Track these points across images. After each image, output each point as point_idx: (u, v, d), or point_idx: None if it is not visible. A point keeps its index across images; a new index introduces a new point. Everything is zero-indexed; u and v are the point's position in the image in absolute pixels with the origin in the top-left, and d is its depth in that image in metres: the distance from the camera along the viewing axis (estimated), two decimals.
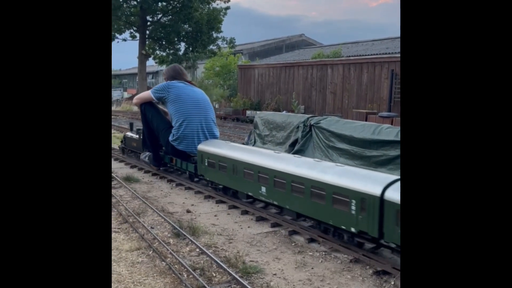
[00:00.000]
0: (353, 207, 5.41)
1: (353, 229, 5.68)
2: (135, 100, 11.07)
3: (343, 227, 5.72)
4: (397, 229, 4.84)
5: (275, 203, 7.09)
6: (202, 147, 9.24)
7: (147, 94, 10.30)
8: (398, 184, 4.95)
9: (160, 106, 10.70)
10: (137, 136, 12.41)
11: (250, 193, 7.71)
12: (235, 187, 8.11)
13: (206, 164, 8.93)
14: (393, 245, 5.36)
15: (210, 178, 8.98)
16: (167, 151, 10.54)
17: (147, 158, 11.34)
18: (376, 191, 5.06)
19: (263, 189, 7.14)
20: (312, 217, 6.32)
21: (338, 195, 5.60)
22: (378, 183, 5.17)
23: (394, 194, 4.85)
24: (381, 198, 5.04)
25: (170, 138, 9.94)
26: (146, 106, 10.41)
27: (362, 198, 5.24)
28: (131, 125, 13.78)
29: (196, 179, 9.91)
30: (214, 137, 10.14)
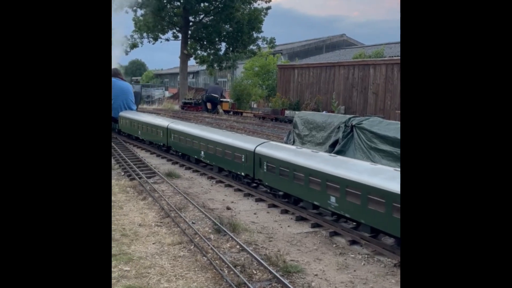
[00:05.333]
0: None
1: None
2: None
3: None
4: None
5: (145, 139, 16.03)
6: (121, 114, 18.61)
7: None
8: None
9: None
10: None
11: (137, 136, 16.67)
12: (134, 134, 17.04)
13: (122, 123, 18.24)
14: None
15: (124, 130, 18.07)
16: None
17: None
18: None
19: (139, 132, 16.39)
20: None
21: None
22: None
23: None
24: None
25: None
26: None
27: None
28: None
29: (122, 133, 18.50)
30: (130, 109, 19.86)
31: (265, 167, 8.79)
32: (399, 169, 6.55)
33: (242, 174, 9.67)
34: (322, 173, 7.08)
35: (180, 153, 13.04)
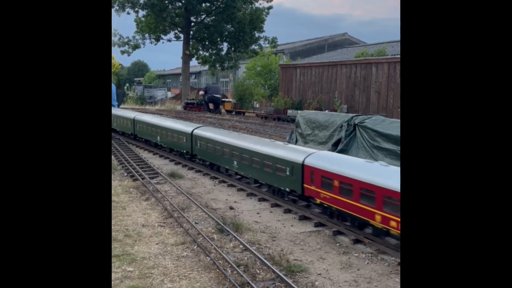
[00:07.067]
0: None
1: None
2: None
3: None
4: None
5: (118, 130, 18.61)
6: None
7: None
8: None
9: None
10: None
11: (113, 127, 18.35)
12: (115, 127, 18.68)
13: None
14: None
15: None
16: None
17: None
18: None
19: (114, 124, 18.58)
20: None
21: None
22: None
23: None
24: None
25: None
26: None
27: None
28: None
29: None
30: (112, 106, 20.65)
31: (198, 145, 11.58)
32: (277, 140, 9.77)
33: (184, 151, 12.54)
34: (229, 145, 9.98)
35: (143, 139, 15.90)
